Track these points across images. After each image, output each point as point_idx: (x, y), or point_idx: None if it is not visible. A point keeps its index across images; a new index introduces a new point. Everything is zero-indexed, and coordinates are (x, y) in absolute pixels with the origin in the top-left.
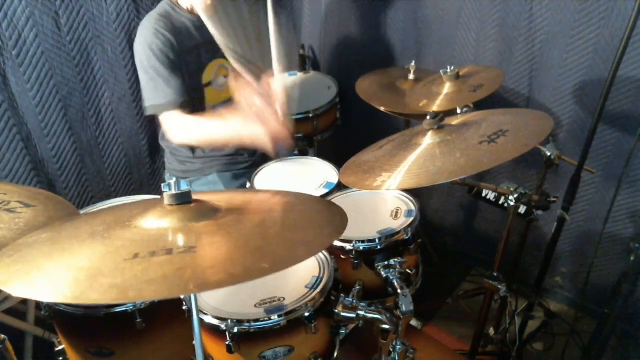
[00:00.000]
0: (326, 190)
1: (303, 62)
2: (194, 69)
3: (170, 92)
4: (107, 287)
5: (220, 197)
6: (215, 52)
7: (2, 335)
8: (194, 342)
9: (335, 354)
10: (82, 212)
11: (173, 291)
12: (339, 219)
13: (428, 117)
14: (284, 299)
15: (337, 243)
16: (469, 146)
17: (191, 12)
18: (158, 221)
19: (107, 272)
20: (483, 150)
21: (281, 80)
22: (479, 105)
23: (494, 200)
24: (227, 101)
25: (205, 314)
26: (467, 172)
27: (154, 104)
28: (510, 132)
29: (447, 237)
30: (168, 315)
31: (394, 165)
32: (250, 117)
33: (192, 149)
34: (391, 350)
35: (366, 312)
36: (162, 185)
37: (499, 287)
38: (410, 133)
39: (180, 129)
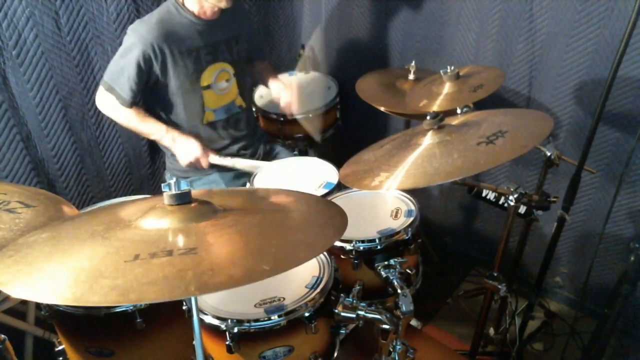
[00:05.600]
0: (326, 190)
1: (303, 62)
2: (191, 70)
3: (125, 88)
4: (108, 288)
5: (220, 197)
6: (216, 55)
7: (2, 335)
8: (194, 342)
9: (335, 354)
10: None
11: (174, 293)
12: (339, 219)
13: (428, 118)
14: (284, 299)
15: (337, 243)
16: (467, 147)
17: (195, 14)
18: (158, 221)
19: (107, 273)
20: (481, 151)
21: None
22: (479, 105)
23: (494, 200)
24: (228, 105)
25: (205, 314)
26: (463, 174)
27: (111, 84)
28: (509, 133)
29: (447, 237)
30: (168, 315)
31: (393, 165)
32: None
33: None
34: (391, 350)
35: (366, 312)
36: (162, 185)
37: (499, 287)
38: (411, 133)
39: (112, 111)
